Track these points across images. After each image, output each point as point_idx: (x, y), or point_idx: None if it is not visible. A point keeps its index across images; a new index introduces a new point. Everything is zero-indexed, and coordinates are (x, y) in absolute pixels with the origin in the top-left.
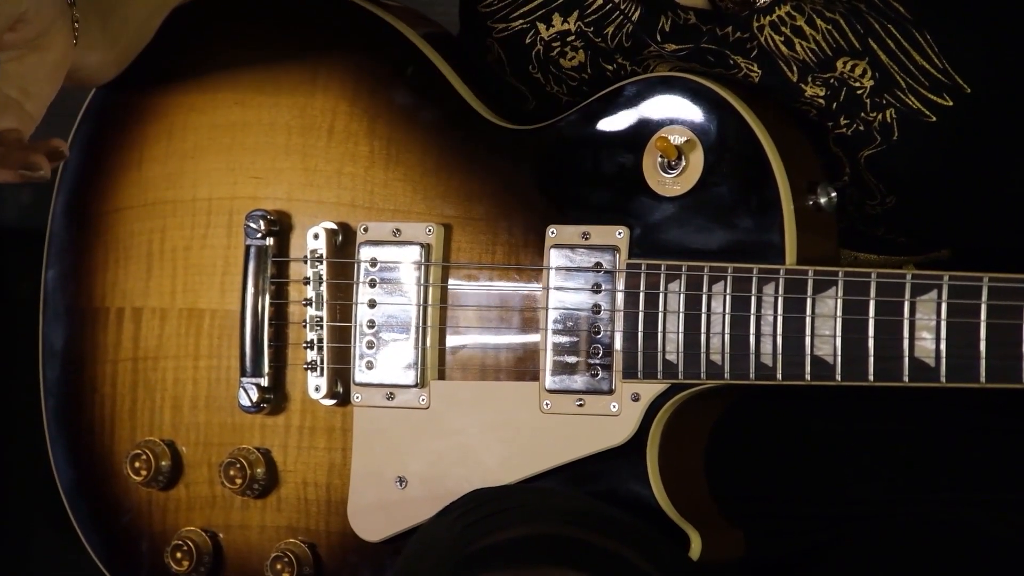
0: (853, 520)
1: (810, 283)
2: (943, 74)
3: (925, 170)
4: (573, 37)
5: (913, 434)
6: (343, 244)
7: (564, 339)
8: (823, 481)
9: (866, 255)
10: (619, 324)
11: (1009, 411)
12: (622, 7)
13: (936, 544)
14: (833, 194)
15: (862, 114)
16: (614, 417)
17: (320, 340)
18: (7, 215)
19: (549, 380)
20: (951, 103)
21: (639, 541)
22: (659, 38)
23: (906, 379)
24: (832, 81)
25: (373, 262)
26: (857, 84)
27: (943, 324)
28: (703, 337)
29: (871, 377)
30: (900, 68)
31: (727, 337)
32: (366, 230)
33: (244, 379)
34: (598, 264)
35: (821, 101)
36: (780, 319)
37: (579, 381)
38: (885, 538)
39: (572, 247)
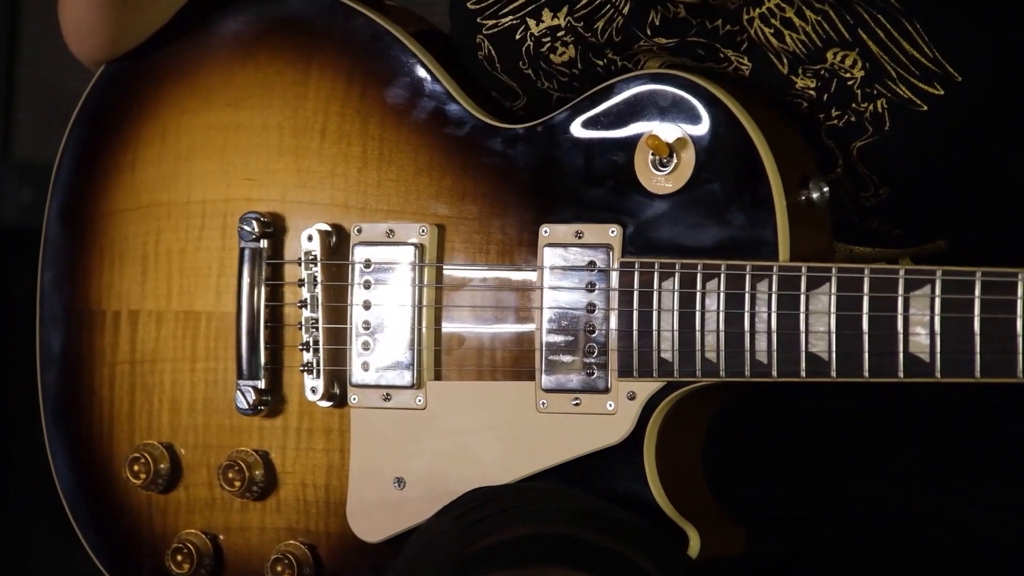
0: (853, 520)
1: (804, 279)
2: (934, 63)
3: (918, 160)
4: (563, 32)
5: (912, 434)
6: (337, 245)
7: (559, 338)
8: (822, 480)
9: (861, 248)
10: (614, 323)
11: (1010, 412)
12: (612, 1)
13: (936, 544)
14: (825, 189)
15: (853, 105)
16: (610, 416)
17: (316, 342)
18: (7, 215)
19: (545, 379)
20: (942, 92)
21: (640, 540)
22: (649, 32)
23: (901, 375)
24: (823, 72)
25: (367, 263)
26: (848, 75)
27: (937, 319)
28: (698, 335)
29: (866, 373)
30: (890, 58)
31: (722, 335)
32: (359, 231)
33: (241, 381)
34: (591, 263)
35: (812, 92)
36: (774, 316)
37: (575, 380)
38: (885, 538)
39: (565, 246)
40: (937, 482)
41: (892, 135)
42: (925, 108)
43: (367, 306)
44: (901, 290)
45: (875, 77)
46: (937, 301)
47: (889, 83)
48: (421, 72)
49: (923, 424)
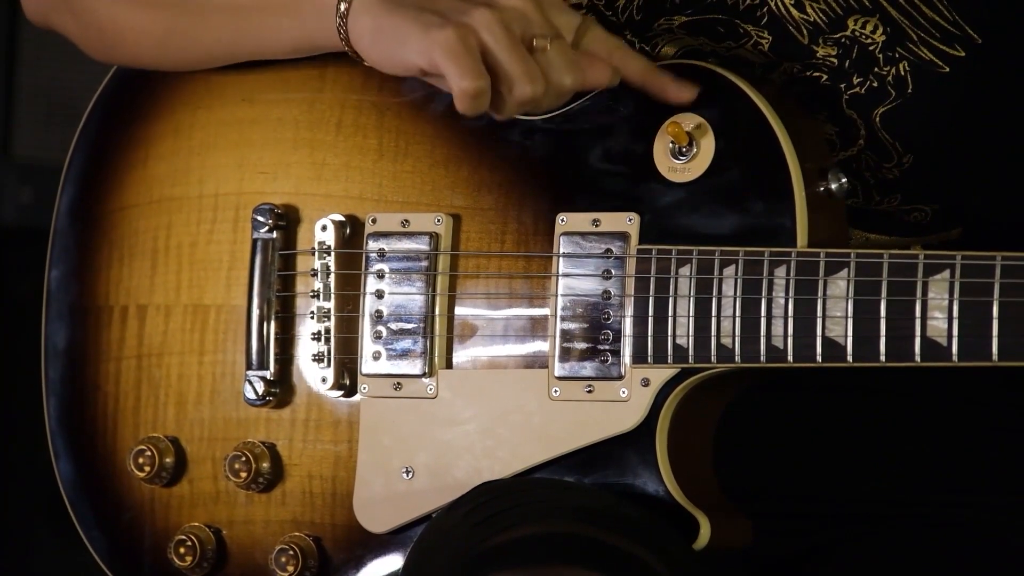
0: (858, 520)
1: (822, 265)
2: (954, 26)
3: (941, 123)
4: (583, 11)
5: (918, 434)
6: (351, 236)
7: (573, 326)
8: (827, 480)
9: (877, 236)
10: (629, 309)
11: (1016, 412)
12: None
13: (940, 545)
14: (844, 180)
15: (875, 69)
16: (623, 403)
17: (327, 331)
18: (7, 215)
19: (558, 367)
20: (963, 54)
21: (650, 537)
22: (668, 8)
23: (918, 359)
24: (843, 40)
25: (381, 253)
26: (869, 40)
27: (955, 303)
28: (714, 320)
29: (883, 358)
30: (911, 22)
31: (738, 320)
32: (374, 221)
33: (250, 372)
34: (608, 250)
35: (833, 60)
36: (791, 301)
37: (588, 367)
38: (890, 538)
39: (582, 234)
40: (942, 482)
41: (915, 98)
42: (947, 69)
43: (380, 295)
44: (920, 275)
45: (896, 41)
46: (956, 285)
47: (910, 46)
48: None
49: (929, 424)
